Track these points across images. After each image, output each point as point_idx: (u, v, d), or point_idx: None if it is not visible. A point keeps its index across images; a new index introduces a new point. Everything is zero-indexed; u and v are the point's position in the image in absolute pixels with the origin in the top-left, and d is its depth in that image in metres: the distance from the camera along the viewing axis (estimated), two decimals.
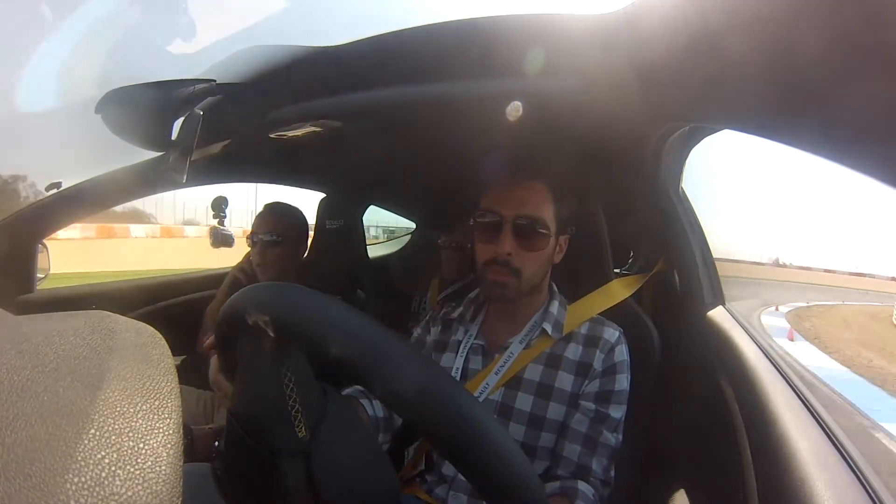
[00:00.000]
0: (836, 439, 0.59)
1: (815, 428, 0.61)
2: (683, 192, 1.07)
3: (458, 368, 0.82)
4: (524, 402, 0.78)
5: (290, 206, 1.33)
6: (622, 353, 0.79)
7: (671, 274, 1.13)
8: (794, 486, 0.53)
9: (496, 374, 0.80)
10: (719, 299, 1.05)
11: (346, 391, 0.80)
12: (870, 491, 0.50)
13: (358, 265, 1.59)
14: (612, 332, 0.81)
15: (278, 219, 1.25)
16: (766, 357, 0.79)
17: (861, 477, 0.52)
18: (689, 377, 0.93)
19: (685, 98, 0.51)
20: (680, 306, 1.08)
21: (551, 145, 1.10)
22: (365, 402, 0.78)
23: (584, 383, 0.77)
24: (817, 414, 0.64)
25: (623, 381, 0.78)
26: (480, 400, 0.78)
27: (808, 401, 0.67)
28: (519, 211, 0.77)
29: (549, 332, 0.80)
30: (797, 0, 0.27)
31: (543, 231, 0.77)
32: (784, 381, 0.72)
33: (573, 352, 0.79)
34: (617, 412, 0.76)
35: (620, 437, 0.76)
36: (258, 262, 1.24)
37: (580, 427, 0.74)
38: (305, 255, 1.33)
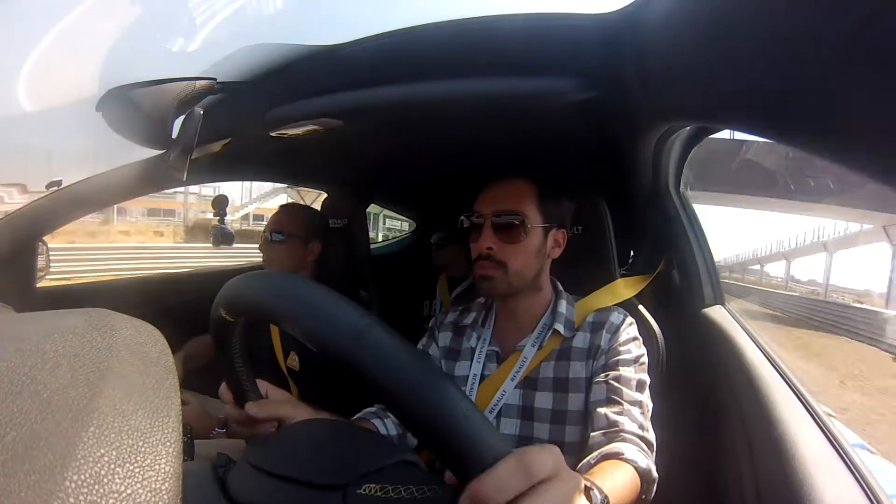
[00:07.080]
0: (835, 439, 0.59)
1: (814, 428, 0.61)
2: (684, 191, 1.07)
3: (475, 374, 0.82)
4: (544, 400, 0.77)
5: (300, 205, 1.34)
6: (629, 332, 0.79)
7: (671, 273, 1.13)
8: (793, 486, 0.53)
9: (512, 380, 0.79)
10: (719, 298, 1.05)
11: (358, 415, 0.78)
12: (868, 490, 0.50)
13: (361, 264, 1.59)
14: (617, 315, 0.81)
15: (284, 218, 1.25)
16: (766, 357, 0.79)
17: (859, 476, 0.52)
18: (689, 376, 0.93)
19: (685, 98, 0.51)
20: (680, 305, 1.08)
21: (552, 145, 1.10)
22: (377, 421, 0.76)
23: (593, 364, 0.77)
24: (816, 414, 0.64)
25: (633, 350, 0.76)
26: (499, 406, 0.78)
27: (807, 400, 0.67)
28: (496, 207, 0.80)
29: (562, 332, 0.80)
30: (798, 0, 0.27)
31: (523, 223, 0.78)
32: (783, 381, 0.72)
33: (581, 340, 0.79)
34: (632, 373, 0.73)
35: (648, 398, 0.72)
36: (263, 260, 1.25)
37: (600, 395, 0.72)
38: (320, 253, 1.29)
